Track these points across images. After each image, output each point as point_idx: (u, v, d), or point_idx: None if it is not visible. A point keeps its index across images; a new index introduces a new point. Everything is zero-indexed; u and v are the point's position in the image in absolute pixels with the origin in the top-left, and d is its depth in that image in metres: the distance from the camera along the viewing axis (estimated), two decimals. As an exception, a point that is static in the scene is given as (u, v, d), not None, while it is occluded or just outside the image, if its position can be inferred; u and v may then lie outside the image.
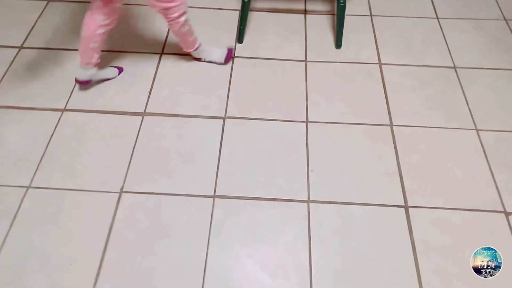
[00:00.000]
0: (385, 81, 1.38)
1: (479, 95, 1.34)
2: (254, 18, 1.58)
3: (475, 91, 1.35)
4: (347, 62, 1.44)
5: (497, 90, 1.36)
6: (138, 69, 1.40)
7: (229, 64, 1.42)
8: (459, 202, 1.10)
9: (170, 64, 1.42)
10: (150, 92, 1.34)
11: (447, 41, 1.51)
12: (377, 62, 1.44)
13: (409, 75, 1.40)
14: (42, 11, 1.58)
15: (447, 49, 1.48)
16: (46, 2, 1.62)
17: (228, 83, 1.37)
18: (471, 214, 1.08)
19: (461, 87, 1.36)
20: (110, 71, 1.36)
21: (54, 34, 1.51)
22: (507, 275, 0.98)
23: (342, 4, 1.38)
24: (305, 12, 1.62)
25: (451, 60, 1.44)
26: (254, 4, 1.59)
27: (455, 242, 1.03)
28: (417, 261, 1.00)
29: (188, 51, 1.33)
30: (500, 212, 1.09)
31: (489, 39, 1.51)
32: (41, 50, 1.46)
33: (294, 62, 1.44)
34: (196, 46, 1.32)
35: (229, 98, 1.33)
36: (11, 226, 1.05)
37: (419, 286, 0.97)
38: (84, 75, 1.26)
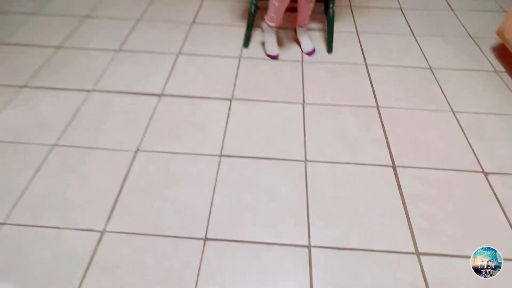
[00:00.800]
0: (371, 76, 1.60)
1: (452, 87, 1.54)
2: (257, 33, 1.86)
3: (449, 84, 1.56)
4: (337, 62, 1.68)
5: (468, 84, 1.56)
6: (157, 64, 1.63)
7: (236, 61, 1.66)
8: (441, 164, 1.22)
9: (185, 60, 1.66)
10: (167, 79, 1.55)
11: (422, 50, 1.76)
12: (363, 63, 1.68)
13: (391, 72, 1.62)
14: (83, 21, 1.88)
15: (423, 56, 1.73)
16: (84, 17, 1.93)
17: (235, 74, 1.59)
18: (453, 172, 1.19)
19: (437, 82, 1.57)
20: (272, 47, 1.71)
21: (90, 39, 1.77)
22: (488, 222, 1.06)
23: (331, 15, 1.66)
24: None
25: (427, 63, 1.68)
26: (257, 23, 1.90)
27: (440, 194, 1.13)
28: (406, 209, 1.09)
29: (305, 23, 1.69)
30: (479, 172, 1.20)
31: (458, 50, 1.77)
32: (78, 49, 1.71)
33: (292, 62, 1.68)
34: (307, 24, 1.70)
35: (235, 85, 1.53)
36: (35, 174, 1.16)
37: (409, 227, 1.04)
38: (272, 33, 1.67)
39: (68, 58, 1.65)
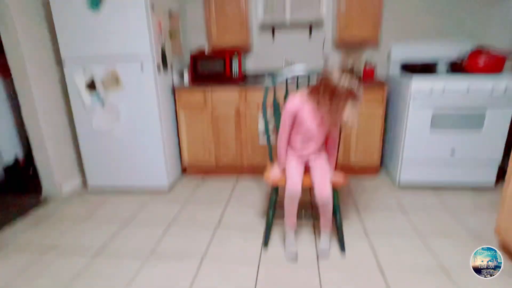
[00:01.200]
0: (387, 279, 1.65)
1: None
2: (276, 230, 2.08)
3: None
4: (351, 262, 1.77)
5: (487, 285, 1.58)
6: (183, 270, 1.76)
7: (256, 265, 1.79)
8: None
9: (208, 264, 1.81)
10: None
11: (431, 249, 1.87)
12: (375, 263, 1.77)
13: (406, 274, 1.68)
14: (123, 227, 2.18)
15: (433, 255, 1.82)
16: (125, 224, 2.26)
17: (255, 280, 1.68)
18: None
19: (455, 283, 1.60)
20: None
21: (125, 244, 2.02)
22: None
23: (339, 222, 1.91)
24: (314, 227, 2.14)
25: (439, 263, 1.75)
26: (276, 222, 2.16)
27: None
28: None
29: (324, 226, 1.87)
30: None
31: (466, 248, 1.85)
32: (113, 256, 1.92)
33: (309, 260, 1.79)
34: (326, 228, 1.88)
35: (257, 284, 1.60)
36: None
37: None
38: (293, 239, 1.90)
39: (103, 266, 1.82)
